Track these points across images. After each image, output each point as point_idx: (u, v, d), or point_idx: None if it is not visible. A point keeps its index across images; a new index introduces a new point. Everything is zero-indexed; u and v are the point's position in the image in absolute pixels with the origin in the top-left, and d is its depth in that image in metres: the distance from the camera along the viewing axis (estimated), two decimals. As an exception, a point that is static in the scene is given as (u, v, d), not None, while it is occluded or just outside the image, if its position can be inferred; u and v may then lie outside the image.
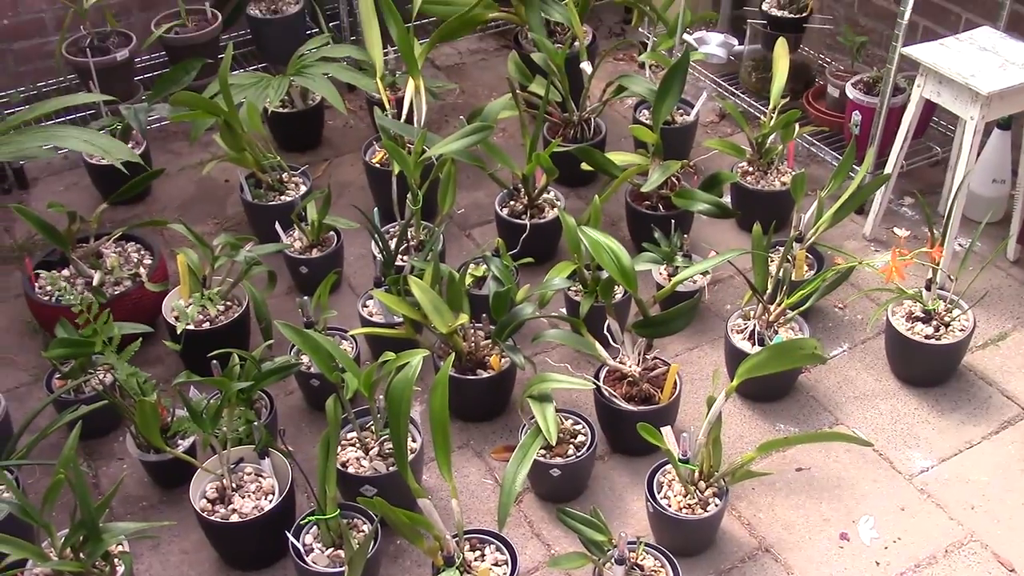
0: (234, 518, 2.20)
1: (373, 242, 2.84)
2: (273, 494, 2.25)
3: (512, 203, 3.09)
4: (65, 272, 2.84)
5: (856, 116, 3.23)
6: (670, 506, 2.22)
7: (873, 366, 2.73)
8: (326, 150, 3.68)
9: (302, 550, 2.13)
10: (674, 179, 3.05)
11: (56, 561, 2.01)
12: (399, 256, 2.82)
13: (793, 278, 2.71)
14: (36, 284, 2.77)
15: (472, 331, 2.56)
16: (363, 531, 2.19)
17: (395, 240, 2.82)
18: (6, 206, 3.40)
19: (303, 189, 3.17)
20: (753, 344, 2.59)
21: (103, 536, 2.01)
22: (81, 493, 1.97)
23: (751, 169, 3.18)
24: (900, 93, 3.15)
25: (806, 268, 2.85)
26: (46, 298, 2.73)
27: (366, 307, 2.77)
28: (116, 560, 2.11)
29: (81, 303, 2.34)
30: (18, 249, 3.24)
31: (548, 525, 2.36)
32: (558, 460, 2.32)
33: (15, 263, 3.19)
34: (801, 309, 2.60)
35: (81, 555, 2.04)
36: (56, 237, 2.72)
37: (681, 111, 3.46)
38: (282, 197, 3.12)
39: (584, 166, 2.92)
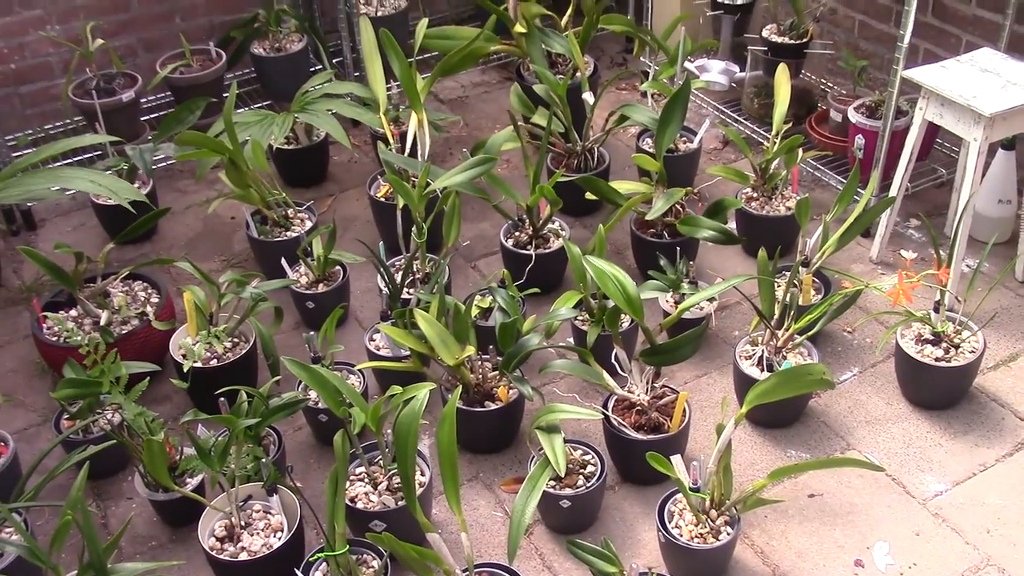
0: (243, 556, 2.18)
1: (379, 276, 2.84)
2: (282, 531, 2.24)
3: (517, 234, 3.09)
4: (73, 312, 2.85)
5: (859, 140, 3.24)
6: (681, 535, 2.20)
7: (884, 390, 2.71)
8: (331, 185, 3.70)
9: (312, 587, 2.12)
10: (678, 206, 3.05)
11: (65, 604, 2.00)
12: (405, 289, 2.82)
13: (800, 303, 2.70)
14: (44, 325, 2.78)
15: (479, 363, 2.56)
16: (373, 567, 2.18)
17: (401, 273, 2.83)
18: (14, 248, 3.43)
19: (308, 224, 3.18)
20: (762, 370, 2.58)
21: (111, 577, 2.00)
22: (89, 534, 1.97)
23: (755, 195, 3.18)
24: (903, 116, 3.15)
25: (813, 292, 2.84)
26: (54, 339, 2.74)
27: (373, 341, 2.77)
28: (125, 601, 2.10)
29: (88, 343, 2.34)
30: (26, 290, 3.26)
31: (559, 557, 2.34)
32: (568, 491, 2.30)
33: (23, 304, 3.20)
34: (809, 334, 2.59)
35: (90, 597, 2.02)
36: (63, 278, 2.73)
37: (684, 139, 3.47)
38: (288, 233, 3.14)
39: (588, 195, 2.93)
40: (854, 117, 3.25)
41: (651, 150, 3.40)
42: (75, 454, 2.30)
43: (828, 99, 3.53)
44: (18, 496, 2.23)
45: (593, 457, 2.39)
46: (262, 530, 2.25)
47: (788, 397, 2.22)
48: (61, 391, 2.37)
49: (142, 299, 2.92)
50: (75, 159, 3.59)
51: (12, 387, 2.88)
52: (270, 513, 2.29)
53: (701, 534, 2.19)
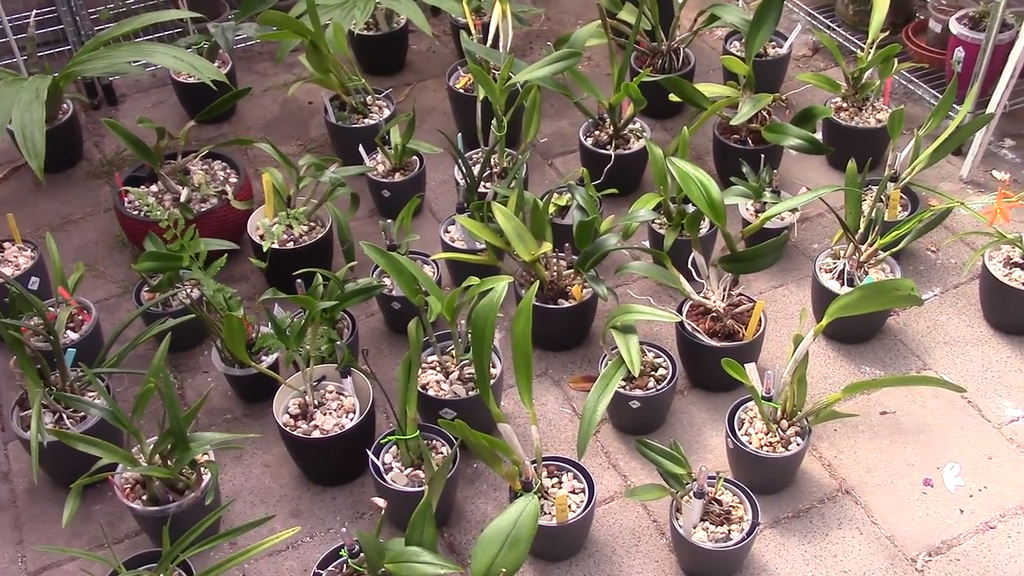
0: (316, 434, 2.23)
1: (456, 168, 2.82)
2: (354, 413, 2.28)
3: (597, 133, 3.04)
4: (153, 188, 2.88)
5: (959, 53, 3.10)
6: (751, 443, 2.19)
7: (965, 312, 2.65)
8: (409, 74, 3.66)
9: (382, 468, 2.16)
10: (764, 113, 2.97)
11: (145, 467, 2.06)
12: (482, 183, 2.80)
13: (886, 218, 2.63)
14: (125, 199, 2.81)
15: (554, 260, 2.54)
16: (442, 453, 2.21)
17: (479, 166, 2.80)
18: (96, 121, 3.46)
19: (387, 113, 3.15)
20: (842, 284, 2.53)
21: (191, 445, 2.05)
22: (171, 402, 2.02)
23: (845, 105, 3.07)
24: (1007, 29, 3.00)
25: (899, 209, 2.76)
26: (135, 213, 2.77)
27: (448, 232, 2.77)
28: (202, 469, 2.16)
29: (168, 219, 2.36)
30: (107, 164, 3.29)
31: (625, 456, 2.35)
32: (638, 392, 2.30)
33: (104, 178, 3.24)
34: (894, 250, 2.53)
35: (169, 462, 2.09)
36: (145, 152, 2.75)
37: (774, 43, 3.36)
38: (366, 120, 3.12)
39: (672, 97, 2.86)
40: (955, 28, 3.11)
41: (739, 53, 3.30)
42: (155, 326, 2.35)
43: (928, 8, 3.37)
44: (100, 363, 2.29)
45: (665, 360, 2.38)
46: (335, 410, 2.29)
47: (870, 312, 2.18)
48: (142, 264, 2.41)
49: (221, 178, 2.94)
50: (156, 35, 3.58)
51: (93, 258, 2.94)
52: (343, 394, 2.32)
53: (771, 443, 2.18)
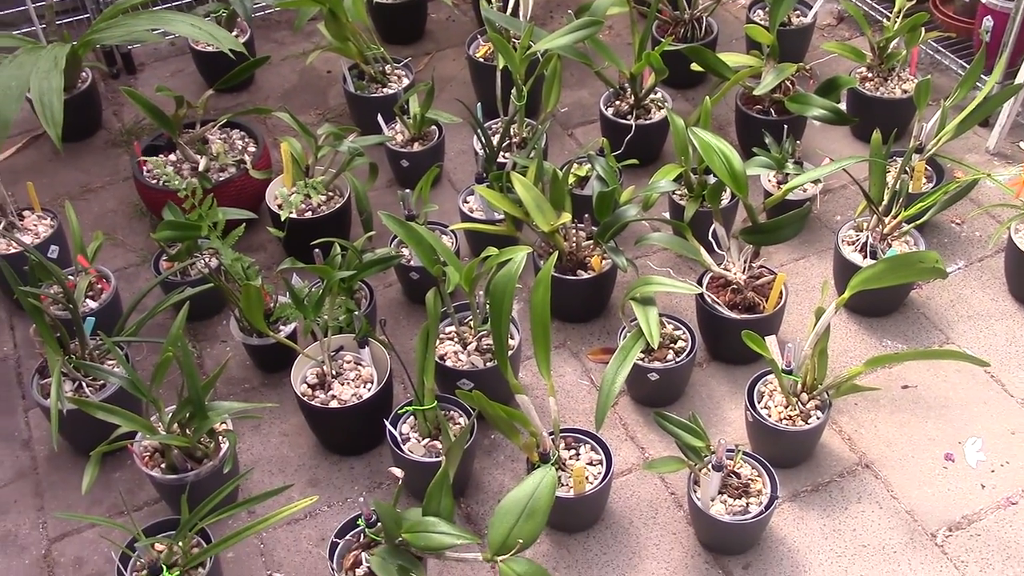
0: (333, 404, 2.23)
1: (475, 138, 2.80)
2: (372, 383, 2.28)
3: (617, 103, 3.01)
4: (172, 157, 2.87)
5: (988, 22, 3.04)
6: (770, 416, 2.18)
7: (990, 285, 2.62)
8: (428, 43, 3.63)
9: (399, 438, 2.16)
10: (788, 83, 2.93)
11: (164, 435, 2.07)
12: (501, 153, 2.78)
13: (911, 190, 2.59)
14: (144, 168, 2.81)
15: (574, 231, 2.52)
16: (459, 423, 2.21)
17: (498, 136, 2.78)
18: (115, 90, 3.45)
19: (405, 82, 3.13)
20: (864, 257, 2.50)
21: (209, 413, 2.06)
22: (189, 371, 2.02)
23: (870, 75, 3.03)
24: (1038, -2, 2.94)
25: (924, 180, 2.72)
26: (153, 182, 2.77)
27: (467, 203, 2.75)
28: (221, 437, 2.16)
29: (187, 188, 2.36)
30: (126, 133, 3.29)
31: (643, 428, 2.34)
32: (657, 364, 2.29)
33: (123, 147, 3.24)
34: (918, 222, 2.49)
35: (187, 431, 2.09)
36: (164, 121, 2.74)
37: (798, 12, 3.31)
38: (384, 89, 3.10)
39: (694, 67, 2.81)
40: (984, -3, 3.05)
41: (762, 22, 3.25)
42: (173, 295, 2.35)
43: (957, -23, 3.31)
44: (119, 331, 2.29)
45: (684, 332, 2.36)
46: (352, 380, 2.28)
47: (893, 285, 2.15)
48: (161, 232, 2.40)
49: (239, 147, 2.93)
50: (175, 4, 3.57)
51: (112, 227, 2.94)
52: (360, 364, 2.32)
53: (790, 416, 2.17)
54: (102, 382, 2.27)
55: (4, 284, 2.53)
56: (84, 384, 2.27)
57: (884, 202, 2.52)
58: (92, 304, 2.49)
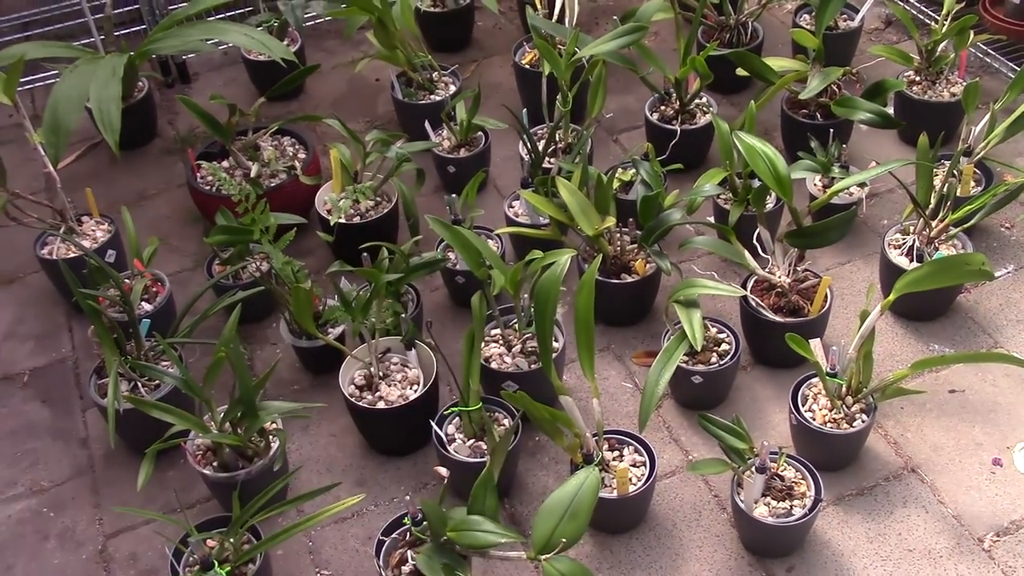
0: (380, 405, 2.27)
1: (520, 143, 2.83)
2: (418, 384, 2.31)
3: (663, 108, 3.02)
4: (224, 164, 2.94)
5: (1038, 24, 3.01)
6: (814, 419, 2.17)
7: (1040, 290, 2.59)
8: (475, 51, 3.67)
9: (444, 439, 2.19)
10: (834, 87, 2.92)
11: (216, 434, 2.12)
12: (547, 158, 2.80)
13: (959, 194, 2.57)
14: (198, 174, 2.88)
15: (618, 235, 2.54)
16: (504, 424, 2.23)
17: (543, 142, 2.81)
18: (170, 99, 3.54)
19: (452, 89, 3.17)
20: (911, 260, 2.48)
21: (260, 413, 2.11)
22: (241, 371, 2.07)
23: (918, 79, 3.01)
24: (1091, -1, 2.91)
25: (973, 184, 2.70)
26: (207, 188, 2.84)
27: (512, 207, 2.78)
28: (271, 436, 2.21)
29: (240, 193, 2.41)
30: (180, 141, 3.37)
31: (686, 431, 2.35)
32: (700, 367, 2.30)
33: (177, 155, 3.32)
34: (966, 226, 2.48)
35: (239, 430, 2.14)
36: (218, 128, 2.81)
37: (845, 16, 3.30)
38: (432, 96, 3.14)
39: (739, 71, 2.83)
40: (1035, -1, 3.02)
41: (808, 27, 3.25)
42: (226, 297, 2.41)
43: (1007, -21, 3.28)
44: (174, 333, 2.36)
45: (728, 336, 2.37)
46: (399, 382, 2.32)
47: (939, 288, 2.14)
48: (214, 237, 2.46)
49: (290, 154, 2.99)
50: (227, 14, 3.65)
51: (166, 233, 3.01)
52: (407, 366, 2.36)
53: (835, 419, 2.17)
54: (157, 382, 2.33)
55: (64, 287, 2.61)
56: (139, 384, 2.33)
57: (931, 205, 2.51)
58: (147, 307, 2.56)
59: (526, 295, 2.34)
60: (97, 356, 2.42)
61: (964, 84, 2.96)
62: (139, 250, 2.57)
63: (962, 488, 2.18)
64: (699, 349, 2.19)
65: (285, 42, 3.42)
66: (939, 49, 2.96)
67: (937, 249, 2.49)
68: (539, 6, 3.13)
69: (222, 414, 2.15)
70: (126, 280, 2.56)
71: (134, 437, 2.38)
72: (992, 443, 2.26)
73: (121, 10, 3.53)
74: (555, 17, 3.07)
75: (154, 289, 2.61)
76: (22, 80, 2.82)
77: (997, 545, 2.08)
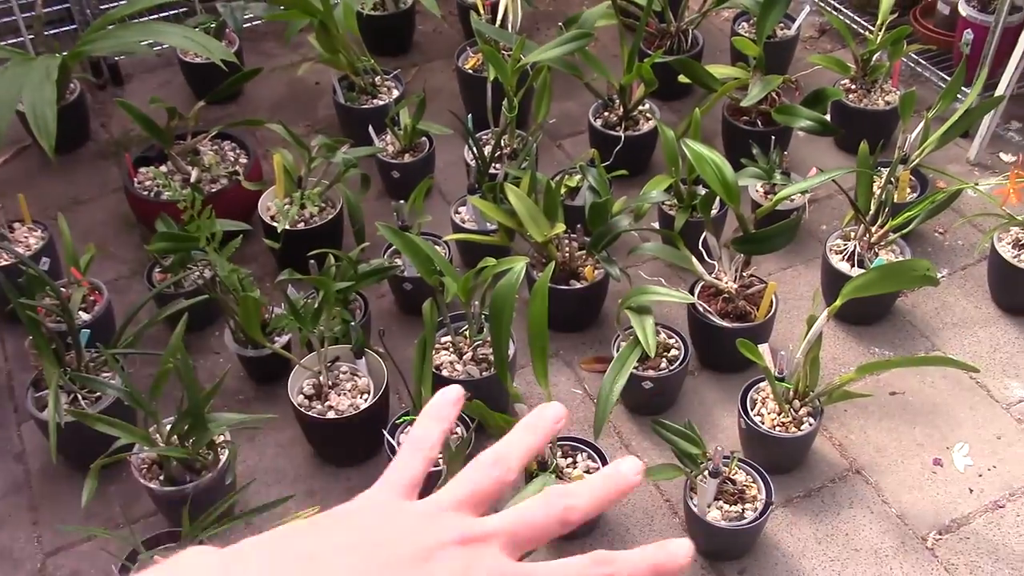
0: (331, 415, 2.24)
1: (466, 148, 2.82)
2: (368, 393, 2.29)
3: (606, 114, 3.04)
4: (163, 168, 2.88)
5: (968, 35, 3.10)
6: (763, 423, 2.21)
7: (973, 293, 2.67)
8: (416, 55, 3.65)
9: (397, 448, 2.17)
10: (774, 95, 2.97)
11: (163, 447, 2.07)
12: (492, 164, 2.80)
13: (896, 200, 2.64)
14: (135, 179, 2.81)
15: (567, 241, 2.55)
16: (456, 433, 2.22)
17: (489, 147, 2.80)
18: (101, 102, 3.45)
19: (395, 93, 3.15)
20: (852, 266, 2.54)
21: (210, 425, 2.06)
22: (189, 382, 2.02)
23: (853, 87, 3.08)
24: (1017, 12, 3.00)
25: (909, 190, 2.77)
26: (145, 193, 2.77)
27: (458, 213, 2.77)
28: (220, 448, 2.17)
29: (185, 199, 2.36)
30: (115, 144, 3.29)
31: (637, 436, 2.37)
32: (651, 373, 2.32)
33: (112, 159, 3.23)
34: (904, 231, 2.54)
35: (187, 443, 2.09)
36: (157, 132, 2.74)
37: (782, 24, 3.36)
38: (375, 101, 3.11)
39: (681, 78, 2.86)
40: (964, 10, 3.11)
41: (747, 34, 3.30)
42: (169, 306, 2.35)
43: (936, -10, 3.37)
44: (115, 343, 2.29)
45: (676, 341, 2.39)
46: (349, 391, 2.30)
47: (883, 293, 2.19)
48: (156, 244, 2.41)
49: (231, 159, 2.93)
50: (163, 15, 3.56)
51: (102, 239, 2.93)
52: (357, 375, 2.33)
53: (783, 423, 2.20)
54: (97, 395, 2.27)
55: (-4, 296, 2.52)
56: (80, 396, 2.26)
57: (871, 212, 2.57)
58: (85, 316, 2.49)
59: (476, 302, 2.33)
60: (33, 368, 2.34)
61: (898, 93, 3.03)
62: (76, 257, 2.50)
63: (905, 488, 2.24)
64: (653, 355, 2.21)
65: (223, 43, 3.35)
66: (874, 58, 3.03)
67: (877, 255, 2.54)
68: (481, 11, 3.12)
69: (168, 426, 2.10)
70: (63, 288, 2.48)
71: (73, 451, 2.30)
72: (932, 444, 2.32)
73: (51, 9, 3.43)
74: (498, 22, 3.07)
75: (92, 298, 2.54)
76: (-51, 81, 2.72)
77: (940, 543, 2.13)
